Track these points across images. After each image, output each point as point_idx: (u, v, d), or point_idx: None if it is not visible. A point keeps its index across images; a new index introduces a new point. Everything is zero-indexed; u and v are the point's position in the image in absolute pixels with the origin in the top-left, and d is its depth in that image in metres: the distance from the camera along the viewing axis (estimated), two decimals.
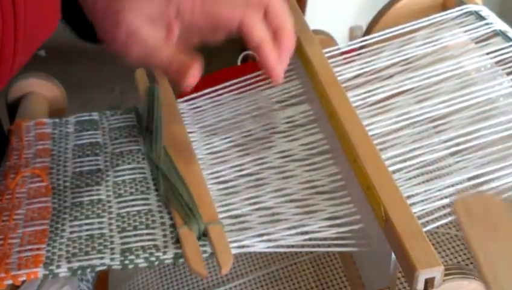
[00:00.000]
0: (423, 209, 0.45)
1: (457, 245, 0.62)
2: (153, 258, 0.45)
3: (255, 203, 0.50)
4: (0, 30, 0.47)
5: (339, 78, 0.56)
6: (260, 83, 0.61)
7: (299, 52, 0.59)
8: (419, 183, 0.47)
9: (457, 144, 0.49)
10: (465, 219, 0.42)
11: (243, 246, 0.46)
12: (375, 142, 0.49)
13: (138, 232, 0.47)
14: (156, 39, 0.48)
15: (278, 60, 0.48)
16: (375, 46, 0.62)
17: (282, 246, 0.46)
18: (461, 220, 0.42)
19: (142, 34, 0.48)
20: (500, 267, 0.40)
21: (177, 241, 0.46)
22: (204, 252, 0.45)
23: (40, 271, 0.44)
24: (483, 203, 0.43)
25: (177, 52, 0.48)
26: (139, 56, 0.49)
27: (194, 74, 0.47)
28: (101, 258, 0.45)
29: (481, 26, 0.62)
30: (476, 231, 0.42)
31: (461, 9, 0.65)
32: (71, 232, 0.47)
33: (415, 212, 0.43)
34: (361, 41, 0.63)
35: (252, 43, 0.48)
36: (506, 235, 0.41)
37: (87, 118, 0.62)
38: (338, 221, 0.47)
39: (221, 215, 0.48)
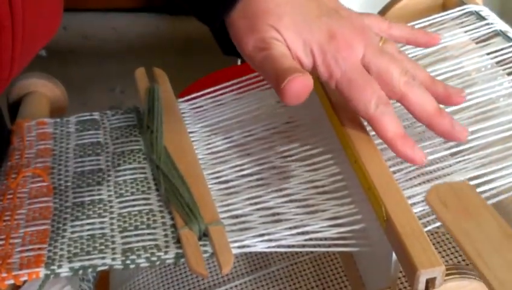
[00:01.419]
0: (424, 210, 0.45)
1: None
2: (155, 258, 0.45)
3: (255, 203, 0.50)
4: None
5: None
6: (260, 83, 0.61)
7: None
8: (419, 184, 0.47)
9: (458, 144, 0.49)
10: (438, 205, 0.43)
11: (243, 246, 0.46)
12: (375, 142, 0.49)
13: (139, 232, 0.47)
14: (293, 64, 0.46)
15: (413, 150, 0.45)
16: None
17: (282, 246, 0.46)
18: (435, 207, 0.43)
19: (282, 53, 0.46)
20: (480, 244, 0.40)
21: (179, 241, 0.46)
22: (205, 252, 0.45)
23: (42, 271, 0.44)
24: (453, 189, 0.44)
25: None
26: (266, 69, 0.46)
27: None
28: (103, 258, 0.45)
29: (481, 26, 0.62)
30: (451, 214, 0.42)
31: (461, 10, 0.65)
32: (72, 232, 0.47)
33: (415, 213, 0.43)
34: None
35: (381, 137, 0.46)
36: (478, 214, 0.42)
37: (88, 117, 0.62)
38: (339, 221, 0.47)
39: (222, 216, 0.48)
